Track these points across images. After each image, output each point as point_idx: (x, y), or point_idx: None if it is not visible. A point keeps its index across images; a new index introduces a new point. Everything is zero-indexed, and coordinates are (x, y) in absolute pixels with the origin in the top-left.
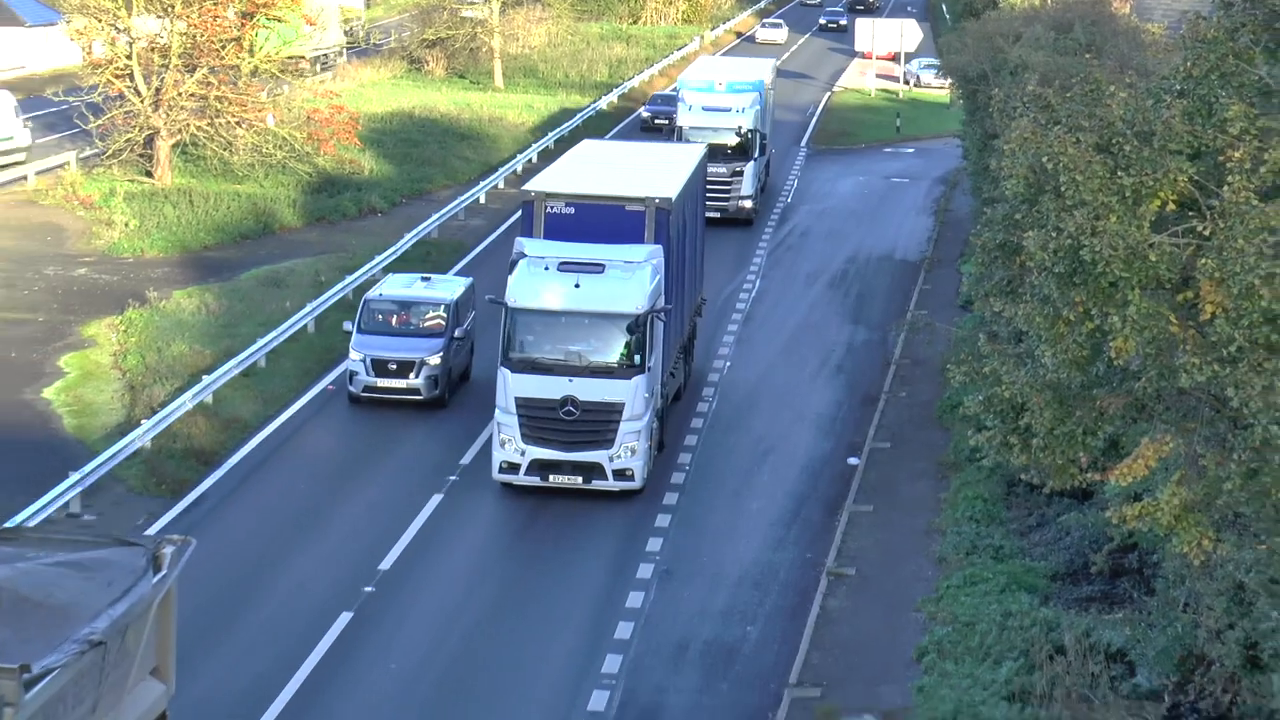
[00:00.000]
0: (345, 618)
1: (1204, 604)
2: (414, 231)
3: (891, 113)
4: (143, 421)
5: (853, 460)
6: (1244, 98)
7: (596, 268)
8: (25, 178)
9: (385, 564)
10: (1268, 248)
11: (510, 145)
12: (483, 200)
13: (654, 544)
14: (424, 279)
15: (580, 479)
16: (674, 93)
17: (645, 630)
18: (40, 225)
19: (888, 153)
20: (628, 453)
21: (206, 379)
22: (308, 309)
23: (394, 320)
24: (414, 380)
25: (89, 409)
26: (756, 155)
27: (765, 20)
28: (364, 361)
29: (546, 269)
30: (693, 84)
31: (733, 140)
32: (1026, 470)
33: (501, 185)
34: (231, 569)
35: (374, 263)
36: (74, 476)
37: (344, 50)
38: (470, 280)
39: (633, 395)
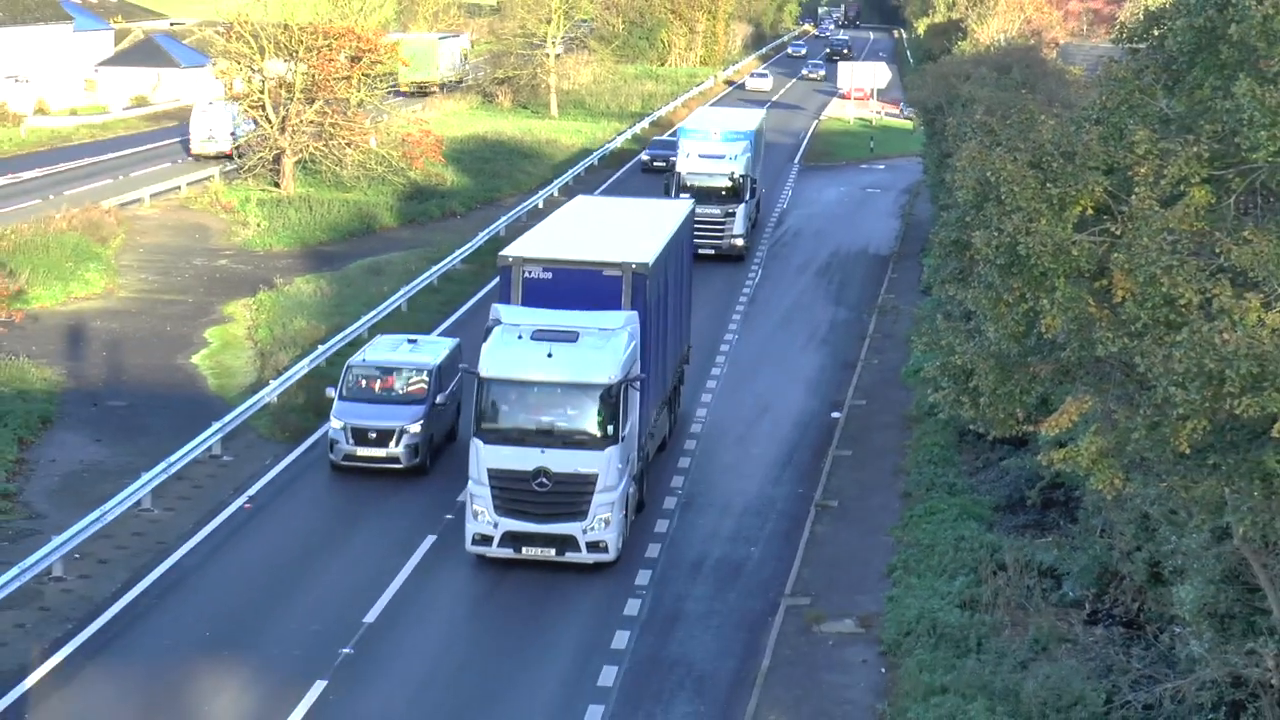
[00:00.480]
0: (430, 538)
1: (1117, 530)
2: (487, 230)
3: (866, 137)
4: (270, 381)
5: (835, 414)
6: (1147, 125)
7: (570, 336)
8: (179, 187)
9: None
10: (1167, 245)
11: (563, 162)
12: (541, 205)
13: (676, 481)
14: (410, 341)
15: (553, 551)
16: (672, 139)
17: (669, 550)
18: (190, 225)
19: (863, 168)
20: (601, 524)
21: (321, 348)
22: (401, 292)
23: (376, 386)
24: (394, 449)
25: (228, 371)
26: (747, 198)
27: (754, 71)
28: (344, 429)
29: (520, 337)
30: (690, 133)
31: (726, 185)
32: (974, 422)
33: (556, 194)
34: (338, 498)
35: (454, 255)
36: (216, 425)
37: (463, 78)
38: (457, 341)
39: (606, 466)
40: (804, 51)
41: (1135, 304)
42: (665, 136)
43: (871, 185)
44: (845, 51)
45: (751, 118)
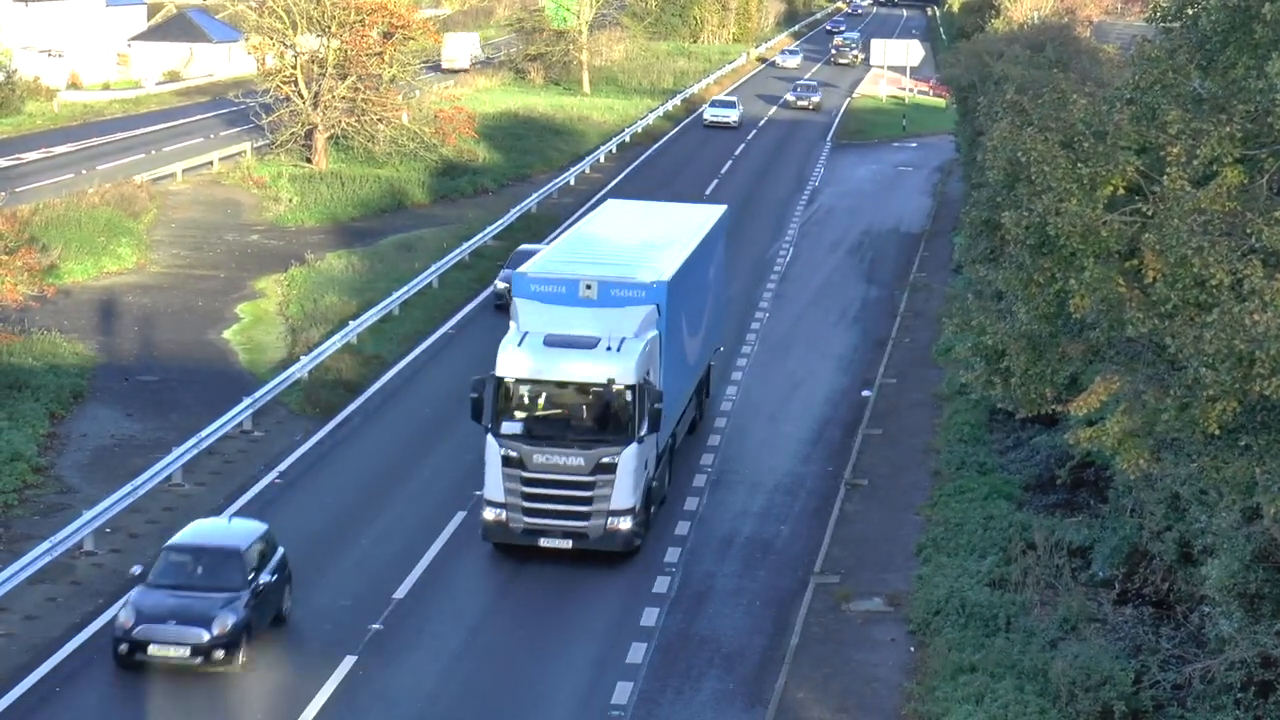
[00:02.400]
0: (460, 515)
1: (1147, 510)
2: (518, 206)
3: (899, 114)
4: (301, 357)
5: (866, 392)
6: (1180, 105)
7: None
8: (211, 163)
9: None
10: (1198, 225)
11: (595, 139)
12: (572, 183)
13: (706, 459)
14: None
15: None
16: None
17: (698, 528)
18: (222, 201)
19: (896, 146)
20: None
21: (352, 324)
22: (433, 269)
23: None
24: None
25: (259, 347)
26: (641, 432)
27: (715, 99)
28: None
29: None
30: (541, 281)
31: (595, 405)
32: (1004, 400)
33: (588, 171)
34: (368, 474)
35: (486, 232)
36: (247, 401)
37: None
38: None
39: None
40: (797, 61)
41: (1166, 284)
42: (538, 244)
43: (904, 163)
44: (856, 56)
45: (682, 235)
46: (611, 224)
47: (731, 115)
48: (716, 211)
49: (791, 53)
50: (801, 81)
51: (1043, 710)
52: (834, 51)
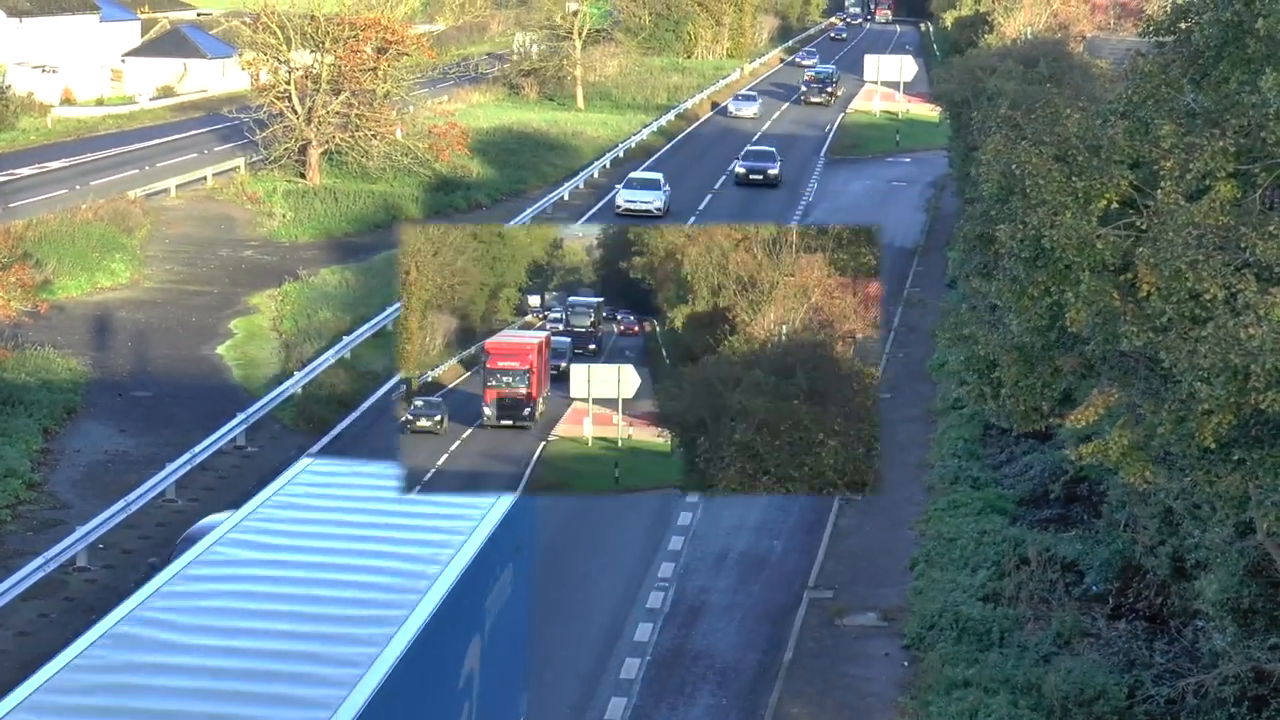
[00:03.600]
0: None
1: (1140, 525)
2: (512, 221)
3: (892, 130)
4: (295, 373)
5: None
6: (1173, 119)
7: None
8: (205, 178)
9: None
10: (1192, 239)
11: (589, 154)
12: (566, 198)
13: None
14: None
15: None
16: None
17: (692, 543)
18: (216, 216)
19: (889, 162)
20: None
21: (346, 339)
22: None
23: None
24: None
25: (253, 362)
26: None
27: (632, 178)
28: None
29: None
30: None
31: None
32: (997, 414)
33: (581, 186)
34: None
35: None
36: (241, 416)
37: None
38: None
39: None
40: (754, 110)
41: (1160, 298)
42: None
43: (897, 178)
44: (832, 91)
45: (396, 610)
46: (251, 568)
47: (653, 200)
48: (493, 511)
49: (747, 99)
50: (752, 147)
51: None
52: (804, 88)
